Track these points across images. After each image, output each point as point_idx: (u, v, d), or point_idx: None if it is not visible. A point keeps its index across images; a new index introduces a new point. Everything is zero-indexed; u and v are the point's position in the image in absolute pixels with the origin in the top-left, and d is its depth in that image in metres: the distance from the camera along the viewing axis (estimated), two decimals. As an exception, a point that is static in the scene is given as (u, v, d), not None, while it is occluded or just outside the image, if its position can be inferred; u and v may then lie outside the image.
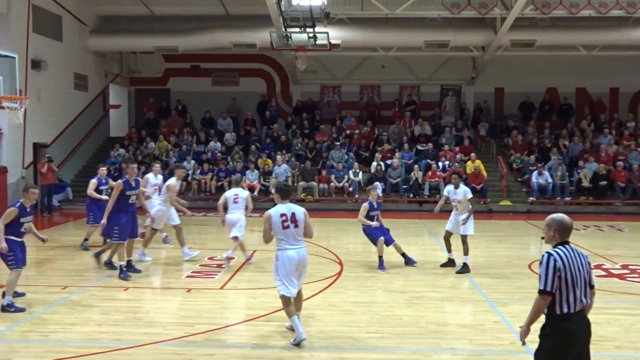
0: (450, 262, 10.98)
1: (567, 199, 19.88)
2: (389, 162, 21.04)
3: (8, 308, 7.95)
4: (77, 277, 10.15)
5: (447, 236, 10.92)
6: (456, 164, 20.54)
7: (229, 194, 11.15)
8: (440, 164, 20.83)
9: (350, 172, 20.63)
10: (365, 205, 10.85)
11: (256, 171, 20.69)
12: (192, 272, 10.59)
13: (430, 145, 21.97)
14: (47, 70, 19.94)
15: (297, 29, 19.52)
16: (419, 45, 21.77)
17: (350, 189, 20.23)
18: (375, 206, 10.91)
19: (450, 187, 10.89)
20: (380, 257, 10.80)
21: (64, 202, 20.32)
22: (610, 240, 14.74)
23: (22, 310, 7.98)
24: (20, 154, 18.95)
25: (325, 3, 18.80)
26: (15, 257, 8.04)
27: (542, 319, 4.60)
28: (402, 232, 14.52)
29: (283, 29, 19.36)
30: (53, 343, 6.85)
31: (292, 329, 6.96)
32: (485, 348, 6.83)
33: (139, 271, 10.40)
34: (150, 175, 12.58)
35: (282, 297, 6.91)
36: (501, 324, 7.65)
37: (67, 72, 21.81)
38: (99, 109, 24.70)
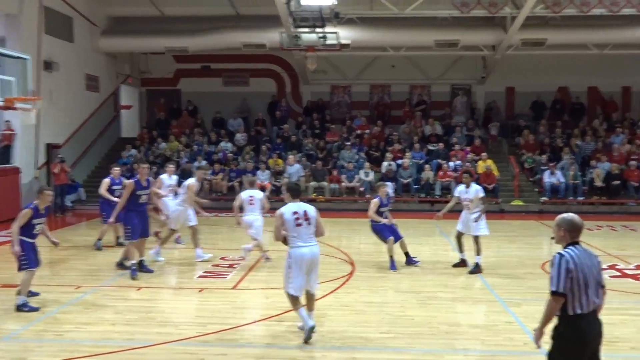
0: (462, 263, 10.94)
1: (580, 198, 19.76)
2: (399, 162, 21.00)
3: (22, 308, 8.01)
4: (90, 277, 10.22)
5: (459, 236, 10.88)
6: (467, 163, 20.47)
7: (244, 195, 11.19)
8: (451, 163, 20.75)
9: (361, 172, 20.61)
10: (375, 201, 10.87)
11: (267, 171, 20.73)
12: (205, 272, 10.62)
13: (441, 145, 21.92)
14: (59, 71, 20.08)
15: (307, 29, 19.54)
16: (429, 45, 21.71)
17: (361, 188, 20.21)
18: (385, 202, 10.94)
19: (461, 187, 10.86)
20: (391, 256, 10.78)
21: (77, 203, 20.44)
22: (624, 240, 14.61)
23: (36, 309, 8.04)
24: (33, 155, 19.10)
25: (335, 3, 18.76)
26: (28, 258, 8.10)
27: (553, 319, 4.58)
28: (413, 232, 14.49)
29: (293, 29, 19.38)
30: (67, 342, 6.90)
31: (303, 328, 6.98)
32: (497, 349, 6.80)
33: (151, 271, 10.44)
34: (164, 176, 12.66)
35: (287, 294, 6.99)
36: (514, 325, 7.61)
37: (78, 73, 21.96)
38: (111, 110, 24.84)
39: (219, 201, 19.48)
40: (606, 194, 19.86)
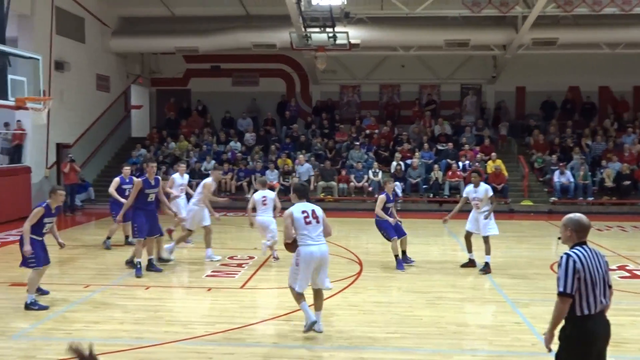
0: (470, 263, 10.90)
1: (590, 199, 19.64)
2: (408, 161, 20.96)
3: (32, 306, 8.07)
4: (99, 275, 10.28)
5: (468, 236, 10.84)
6: (477, 163, 20.40)
7: (257, 196, 11.23)
8: (460, 163, 20.68)
9: (370, 171, 20.59)
10: (382, 197, 10.88)
11: (276, 171, 20.76)
12: (213, 271, 10.65)
13: (451, 144, 21.85)
14: (70, 71, 20.23)
15: (317, 29, 19.53)
16: (439, 45, 21.64)
17: (370, 188, 20.19)
18: (392, 198, 10.96)
19: (470, 187, 10.83)
20: (396, 256, 10.77)
21: (87, 202, 20.59)
22: (634, 240, 14.49)
23: (45, 308, 8.09)
24: (43, 154, 19.24)
25: (345, 3, 18.75)
26: (36, 257, 8.13)
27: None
28: (422, 232, 14.46)
29: (303, 29, 19.38)
30: (76, 340, 6.91)
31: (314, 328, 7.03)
32: (506, 349, 6.77)
33: (159, 270, 10.48)
34: (176, 176, 12.72)
35: (291, 288, 7.08)
36: (522, 325, 7.57)
37: (89, 73, 22.10)
38: (121, 110, 24.97)
39: (227, 200, 19.50)
40: (616, 194, 19.73)
